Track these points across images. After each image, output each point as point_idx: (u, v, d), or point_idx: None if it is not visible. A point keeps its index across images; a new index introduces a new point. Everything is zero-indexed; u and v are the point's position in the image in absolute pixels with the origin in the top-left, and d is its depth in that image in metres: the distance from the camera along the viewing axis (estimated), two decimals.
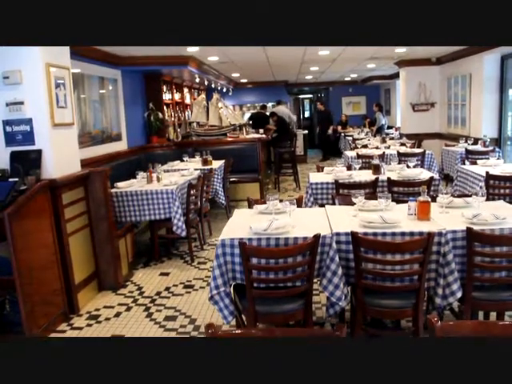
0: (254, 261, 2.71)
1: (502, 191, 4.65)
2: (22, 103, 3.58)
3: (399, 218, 2.90)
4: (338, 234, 2.77)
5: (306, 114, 19.30)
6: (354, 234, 2.62)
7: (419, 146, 8.10)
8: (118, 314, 3.86)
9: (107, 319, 3.78)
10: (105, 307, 4.01)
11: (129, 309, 3.96)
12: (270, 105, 13.18)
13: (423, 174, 4.84)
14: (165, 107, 8.30)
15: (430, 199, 2.99)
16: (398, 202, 3.51)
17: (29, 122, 3.61)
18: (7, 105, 3.59)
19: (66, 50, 4.01)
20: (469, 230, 2.63)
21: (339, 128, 13.56)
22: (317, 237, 2.63)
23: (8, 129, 3.63)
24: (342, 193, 4.24)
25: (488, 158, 5.67)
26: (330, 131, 13.22)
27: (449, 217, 3.02)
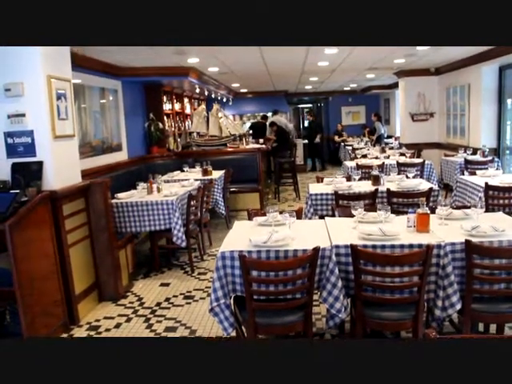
0: (254, 273, 2.72)
1: (501, 202, 4.67)
2: (23, 115, 3.60)
3: (398, 231, 2.91)
4: (337, 247, 2.78)
5: (306, 124, 19.34)
6: (353, 247, 2.63)
7: (418, 156, 8.13)
8: (118, 325, 3.85)
9: (107, 330, 3.77)
10: (105, 318, 4.01)
11: (129, 320, 3.95)
12: (270, 114, 13.24)
13: (422, 185, 4.85)
14: (165, 117, 8.35)
15: (429, 211, 3.00)
16: (397, 212, 3.53)
17: (30, 133, 3.63)
18: (9, 117, 3.62)
19: (68, 61, 4.04)
20: (467, 242, 2.64)
21: (336, 137, 13.67)
22: (316, 249, 2.64)
23: (9, 140, 3.66)
24: (341, 204, 4.26)
25: (487, 168, 5.70)
26: (317, 139, 13.28)
27: (448, 229, 3.03)
